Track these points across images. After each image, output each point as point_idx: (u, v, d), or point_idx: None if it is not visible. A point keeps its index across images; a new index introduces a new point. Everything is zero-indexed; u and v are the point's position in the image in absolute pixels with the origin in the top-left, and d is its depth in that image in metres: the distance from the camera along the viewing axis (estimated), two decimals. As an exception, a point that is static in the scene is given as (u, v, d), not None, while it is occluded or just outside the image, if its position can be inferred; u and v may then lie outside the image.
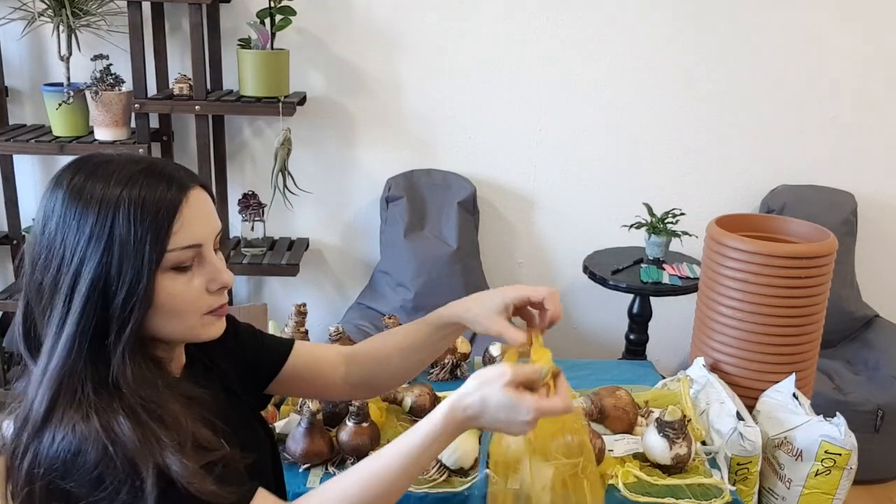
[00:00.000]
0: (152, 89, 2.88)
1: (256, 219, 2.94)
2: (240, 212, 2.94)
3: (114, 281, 0.89)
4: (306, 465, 1.63)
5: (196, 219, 0.94)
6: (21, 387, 0.96)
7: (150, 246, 0.90)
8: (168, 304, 0.93)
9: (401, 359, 1.24)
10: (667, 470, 1.63)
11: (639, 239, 2.97)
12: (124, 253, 0.89)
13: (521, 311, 1.20)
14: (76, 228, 0.89)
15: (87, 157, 0.95)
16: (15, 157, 2.99)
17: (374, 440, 1.65)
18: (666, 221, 2.86)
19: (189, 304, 0.95)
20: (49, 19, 2.69)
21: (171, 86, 2.87)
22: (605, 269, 2.82)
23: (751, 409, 1.95)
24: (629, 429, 1.75)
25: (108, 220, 0.89)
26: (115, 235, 0.89)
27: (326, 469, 1.62)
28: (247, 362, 1.17)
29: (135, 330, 0.91)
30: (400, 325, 2.01)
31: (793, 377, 1.95)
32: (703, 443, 1.78)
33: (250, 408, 1.18)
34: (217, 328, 1.00)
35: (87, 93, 2.74)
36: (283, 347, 1.22)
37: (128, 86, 2.80)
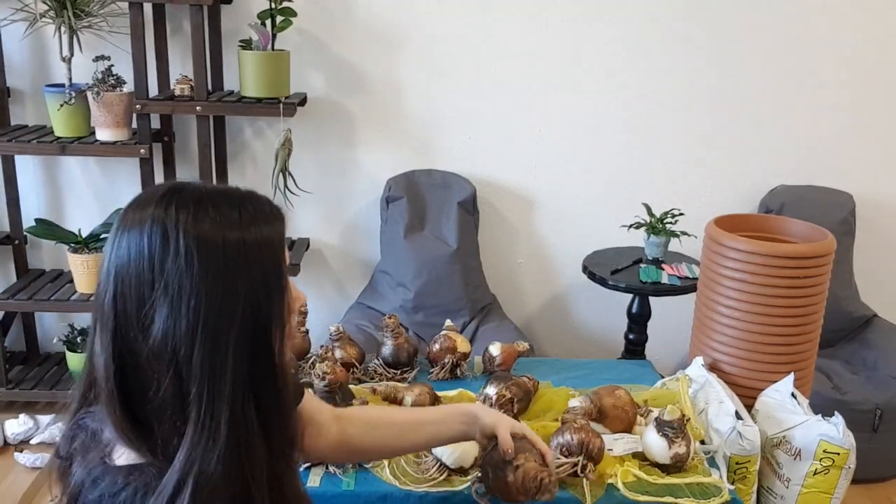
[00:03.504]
0: (153, 90, 2.89)
1: (257, 219, 2.94)
2: (241, 212, 2.94)
3: (266, 323, 0.89)
4: (306, 465, 1.64)
5: None
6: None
7: (278, 280, 0.91)
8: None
9: (394, 431, 1.34)
10: (666, 469, 1.64)
11: (638, 239, 2.98)
12: (265, 290, 0.89)
13: None
14: (231, 259, 0.87)
15: (180, 188, 0.91)
16: (17, 157, 3.00)
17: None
18: (665, 221, 2.87)
19: (291, 329, 0.97)
20: (51, 20, 2.70)
21: (172, 87, 2.87)
22: (604, 269, 2.83)
23: (749, 408, 1.95)
24: (628, 428, 1.76)
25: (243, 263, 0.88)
26: (255, 274, 0.88)
27: (327, 468, 1.63)
28: None
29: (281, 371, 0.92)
30: (400, 324, 2.03)
31: (791, 377, 1.96)
32: (702, 442, 1.79)
33: None
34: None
35: (89, 94, 2.75)
36: (298, 389, 1.21)
37: (129, 87, 2.81)
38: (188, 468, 0.84)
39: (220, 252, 0.86)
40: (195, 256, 0.85)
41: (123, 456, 0.91)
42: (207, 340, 0.85)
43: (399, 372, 1.98)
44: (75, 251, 2.89)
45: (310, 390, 1.26)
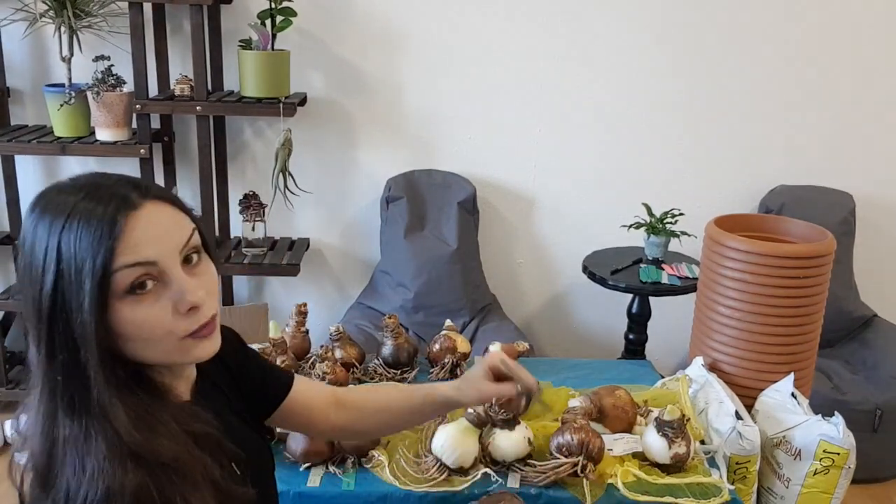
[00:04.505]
0: (153, 90, 2.89)
1: (257, 219, 2.95)
2: (241, 212, 2.95)
3: (71, 312, 0.84)
4: (307, 465, 1.64)
5: (146, 235, 0.86)
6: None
7: (91, 270, 0.83)
8: (134, 332, 0.87)
9: (388, 416, 1.28)
10: (666, 469, 1.64)
11: (638, 239, 2.98)
12: (74, 282, 0.84)
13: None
14: (35, 256, 0.86)
15: (52, 186, 0.91)
16: (17, 157, 3.00)
17: (374, 439, 1.66)
18: (665, 221, 2.87)
19: (158, 330, 0.88)
20: (50, 20, 2.70)
21: (172, 87, 2.87)
22: (604, 269, 2.83)
23: (749, 408, 1.95)
24: (628, 428, 1.76)
25: (54, 249, 0.85)
26: (62, 265, 0.84)
27: (327, 468, 1.63)
28: (254, 389, 1.16)
29: (105, 363, 0.86)
30: (400, 324, 2.03)
31: (791, 377, 1.96)
32: (702, 442, 1.79)
33: (253, 428, 1.16)
34: (203, 349, 0.93)
35: (89, 94, 2.75)
36: (286, 378, 1.22)
37: (129, 87, 2.81)
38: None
39: (38, 233, 0.88)
40: (30, 232, 0.88)
41: None
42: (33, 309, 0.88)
43: (399, 372, 1.98)
44: (75, 251, 2.88)
45: (302, 377, 1.25)
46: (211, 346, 0.93)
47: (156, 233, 0.87)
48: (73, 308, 0.84)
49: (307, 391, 1.23)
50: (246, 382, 1.15)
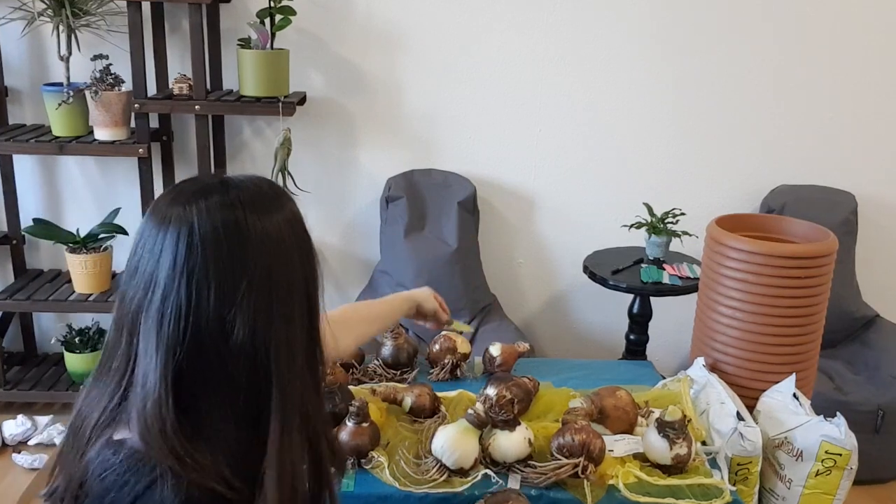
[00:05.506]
0: (152, 89, 2.88)
1: (256, 219, 2.94)
2: (240, 212, 2.94)
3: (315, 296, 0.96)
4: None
5: None
6: None
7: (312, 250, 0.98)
8: None
9: (366, 327, 1.65)
10: (667, 470, 1.63)
11: (639, 239, 2.97)
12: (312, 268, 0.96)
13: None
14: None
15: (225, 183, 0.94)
16: (14, 156, 2.99)
17: (374, 440, 1.64)
18: (666, 221, 2.86)
19: None
20: (49, 19, 2.69)
21: (170, 86, 2.86)
22: (605, 269, 2.82)
23: (751, 409, 1.94)
24: (629, 429, 1.75)
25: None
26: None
27: (326, 469, 1.62)
28: None
29: None
30: (400, 325, 2.02)
31: (793, 377, 1.95)
32: (704, 443, 1.78)
33: None
34: None
35: (87, 93, 2.74)
36: None
37: (127, 86, 2.80)
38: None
39: (283, 238, 0.90)
40: (267, 246, 0.88)
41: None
42: (284, 329, 0.89)
43: (399, 373, 1.97)
44: (73, 251, 2.88)
45: None
46: None
47: None
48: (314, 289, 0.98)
49: None
50: None
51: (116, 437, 0.88)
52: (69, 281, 2.97)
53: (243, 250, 0.87)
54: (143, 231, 0.89)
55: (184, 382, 0.86)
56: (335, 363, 1.78)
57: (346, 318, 1.61)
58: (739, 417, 1.79)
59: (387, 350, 1.98)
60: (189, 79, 2.79)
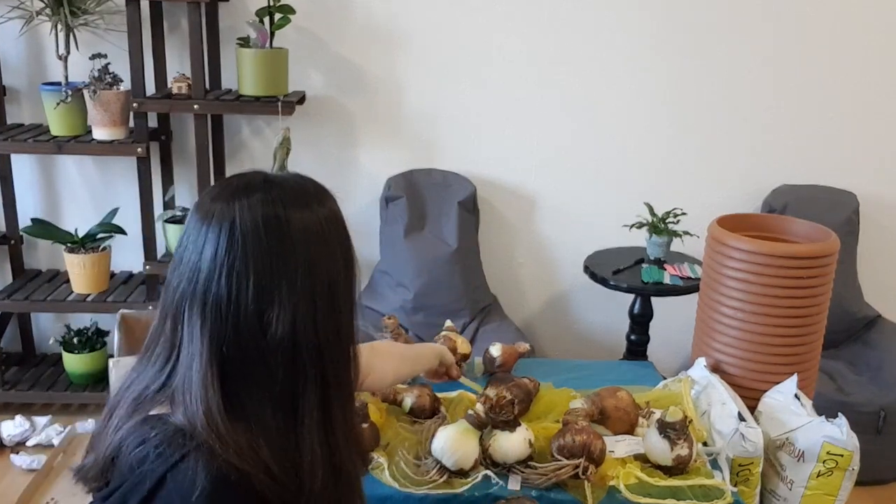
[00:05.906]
0: (151, 88, 2.88)
1: (256, 219, 2.93)
2: (239, 212, 2.93)
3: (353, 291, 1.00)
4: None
5: None
6: None
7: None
8: None
9: (398, 363, 1.59)
10: (668, 471, 1.62)
11: (640, 239, 2.96)
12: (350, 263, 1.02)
13: None
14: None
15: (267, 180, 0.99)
16: (13, 156, 2.99)
17: (374, 440, 1.64)
18: (667, 221, 2.85)
19: None
20: (47, 18, 2.68)
21: (169, 85, 2.86)
22: (605, 269, 2.81)
23: (752, 409, 1.94)
24: (630, 430, 1.74)
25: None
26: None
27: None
28: None
29: None
30: (400, 325, 2.01)
31: (795, 378, 1.94)
32: (705, 444, 1.77)
33: None
34: None
35: (86, 92, 2.73)
36: None
37: (126, 85, 2.79)
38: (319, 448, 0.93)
39: (324, 235, 0.94)
40: (307, 244, 0.92)
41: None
42: (326, 322, 0.92)
43: (398, 373, 1.96)
44: (72, 251, 2.87)
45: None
46: None
47: None
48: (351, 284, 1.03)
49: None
50: None
51: (154, 412, 0.92)
52: (67, 281, 2.96)
53: (283, 246, 0.90)
54: (189, 224, 0.93)
55: (227, 369, 0.89)
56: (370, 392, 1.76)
57: (384, 349, 1.60)
58: (741, 418, 1.79)
59: (386, 350, 1.97)
60: (188, 78, 2.79)
